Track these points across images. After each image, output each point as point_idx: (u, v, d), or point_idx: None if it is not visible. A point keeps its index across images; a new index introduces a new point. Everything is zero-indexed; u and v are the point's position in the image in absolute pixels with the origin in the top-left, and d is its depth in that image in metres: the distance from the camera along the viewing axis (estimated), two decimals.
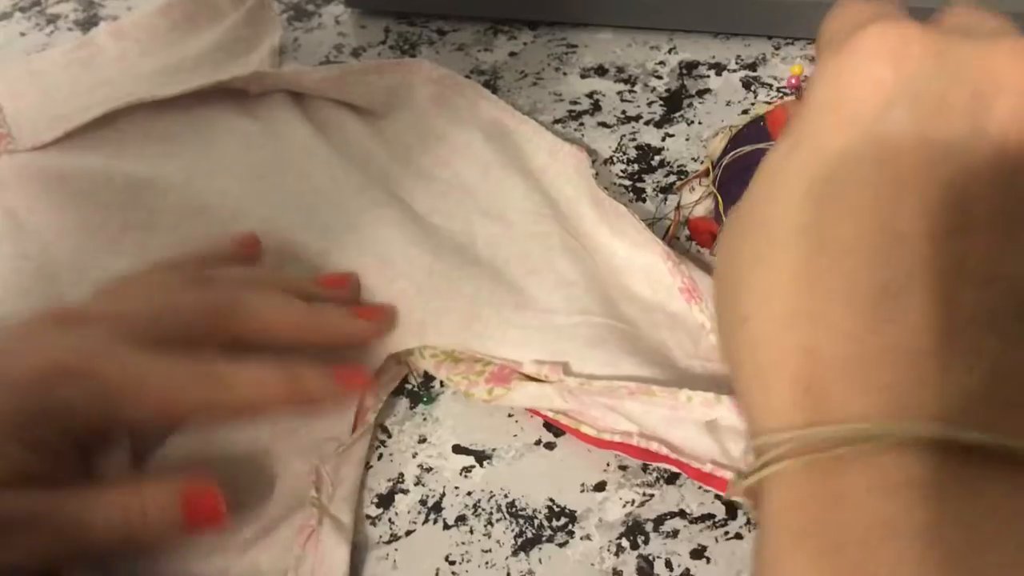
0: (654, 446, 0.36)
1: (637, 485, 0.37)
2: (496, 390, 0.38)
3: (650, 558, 0.35)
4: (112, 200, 0.47)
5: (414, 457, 0.39)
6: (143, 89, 0.53)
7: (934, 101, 0.22)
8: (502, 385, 0.38)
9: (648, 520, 0.36)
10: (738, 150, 0.42)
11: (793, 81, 0.41)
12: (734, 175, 0.42)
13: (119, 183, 0.48)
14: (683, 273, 0.40)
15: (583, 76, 0.57)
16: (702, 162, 0.50)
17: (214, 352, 0.36)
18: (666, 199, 0.48)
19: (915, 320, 0.21)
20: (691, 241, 0.46)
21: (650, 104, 0.55)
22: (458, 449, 0.39)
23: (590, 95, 0.56)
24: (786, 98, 0.53)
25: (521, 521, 0.36)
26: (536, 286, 0.42)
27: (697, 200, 0.43)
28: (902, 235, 0.21)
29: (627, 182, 0.50)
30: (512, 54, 0.60)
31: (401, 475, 0.38)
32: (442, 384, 0.41)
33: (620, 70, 0.57)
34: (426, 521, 0.37)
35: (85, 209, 0.47)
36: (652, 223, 0.47)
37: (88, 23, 0.67)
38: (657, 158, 0.51)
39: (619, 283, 0.42)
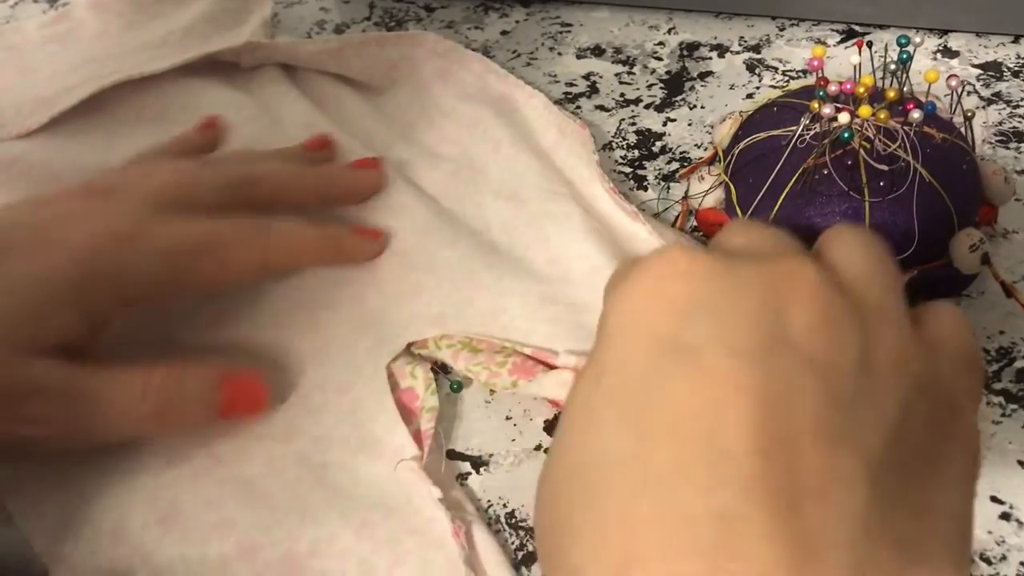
0: None
1: None
2: (520, 383, 0.36)
3: None
4: None
5: None
6: (129, 65, 0.50)
7: (730, 313, 0.21)
8: (526, 378, 0.36)
9: None
10: (752, 136, 0.40)
11: (815, 63, 0.38)
12: (748, 163, 0.39)
13: None
14: None
15: (579, 56, 0.55)
16: (706, 149, 0.47)
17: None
18: (669, 187, 0.46)
19: (761, 552, 0.19)
20: (698, 232, 0.43)
21: (650, 87, 0.52)
22: (453, 455, 0.37)
23: (587, 76, 0.53)
24: (795, 82, 0.50)
25: (521, 533, 0.34)
26: (561, 276, 0.39)
27: (707, 190, 0.41)
28: (729, 452, 0.20)
29: (627, 168, 0.47)
30: (504, 32, 0.57)
31: None
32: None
33: (618, 51, 0.55)
34: None
35: None
36: (657, 214, 0.44)
37: None
38: (658, 144, 0.48)
39: None
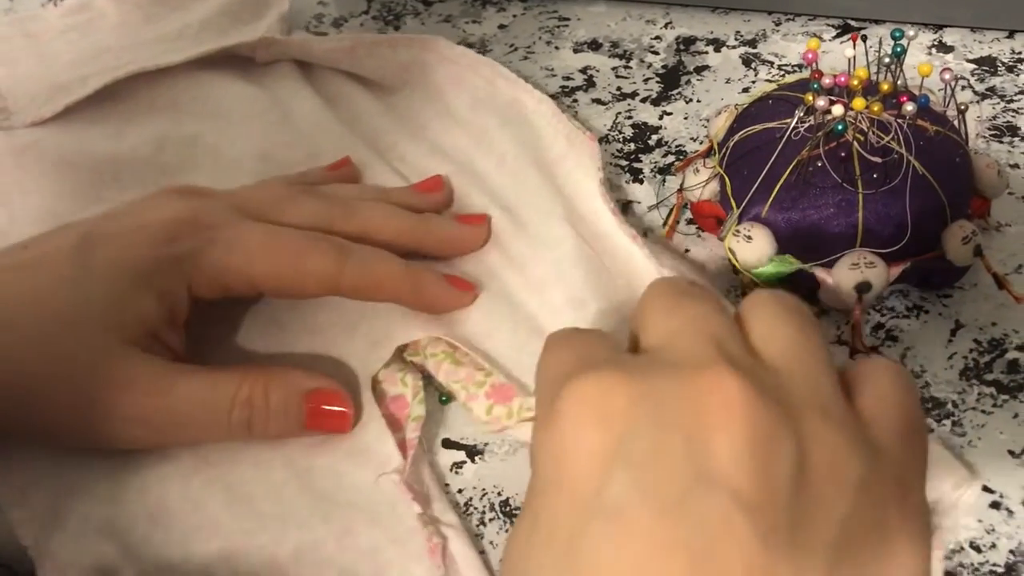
0: None
1: None
2: (496, 408, 0.36)
3: None
4: (115, 183, 0.45)
5: None
6: (144, 57, 0.50)
7: (650, 458, 0.21)
8: (503, 403, 0.36)
9: None
10: (747, 129, 0.40)
11: (810, 56, 0.38)
12: (742, 155, 0.40)
13: (123, 162, 0.46)
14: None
15: (576, 51, 0.55)
16: (702, 142, 0.47)
17: None
18: (665, 180, 0.46)
19: None
20: (692, 225, 0.43)
21: (646, 81, 0.52)
22: (448, 443, 0.37)
23: (583, 70, 0.53)
24: (790, 76, 0.51)
25: (514, 521, 0.34)
26: (547, 308, 0.39)
27: (703, 182, 0.41)
28: None
29: (624, 162, 0.47)
30: (501, 26, 0.57)
31: None
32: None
33: (615, 45, 0.55)
34: None
35: (88, 196, 0.44)
36: (653, 207, 0.45)
37: None
38: (655, 137, 0.49)
39: (636, 297, 0.39)
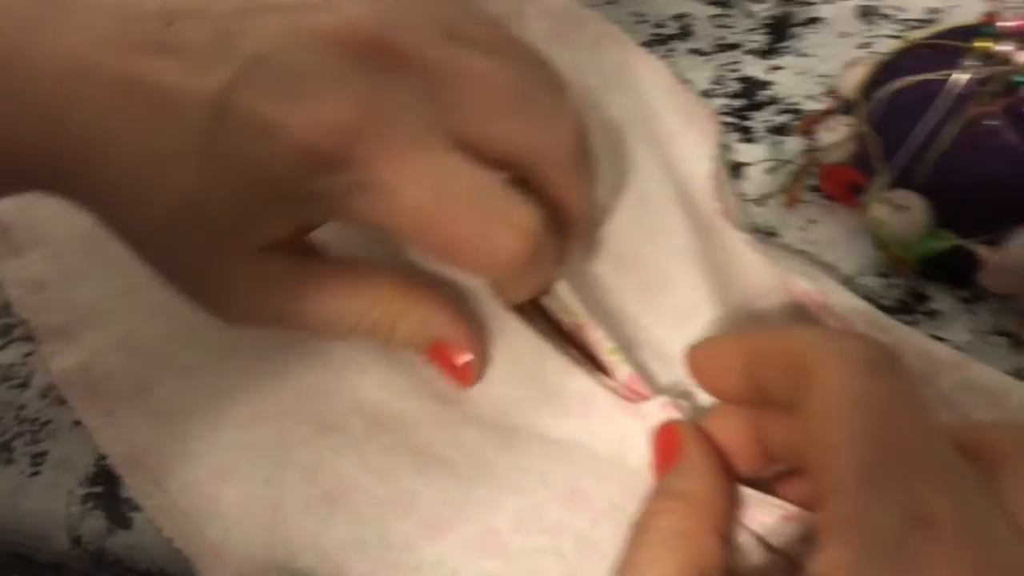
0: None
1: None
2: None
3: None
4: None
5: None
6: None
7: None
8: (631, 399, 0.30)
9: None
10: (898, 81, 0.34)
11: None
12: (892, 111, 0.34)
13: None
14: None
15: None
16: (820, 101, 0.42)
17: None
18: (780, 141, 0.40)
19: None
20: (817, 192, 0.38)
21: (750, 31, 0.46)
22: None
23: (677, 18, 0.47)
24: (915, 31, 0.45)
25: None
26: (653, 317, 0.32)
27: (838, 142, 0.35)
28: None
29: (731, 119, 0.42)
30: None
31: None
32: None
33: None
34: None
35: None
36: (770, 170, 0.39)
37: None
38: (764, 93, 0.43)
39: (753, 306, 0.33)
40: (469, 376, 0.31)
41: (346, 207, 0.26)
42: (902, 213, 0.32)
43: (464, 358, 0.30)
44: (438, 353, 0.30)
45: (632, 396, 0.29)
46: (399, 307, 0.29)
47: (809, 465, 0.20)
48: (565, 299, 0.31)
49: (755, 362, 0.23)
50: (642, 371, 0.30)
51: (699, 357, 0.26)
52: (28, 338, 0.35)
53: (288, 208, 0.27)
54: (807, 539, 0.23)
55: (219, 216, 0.26)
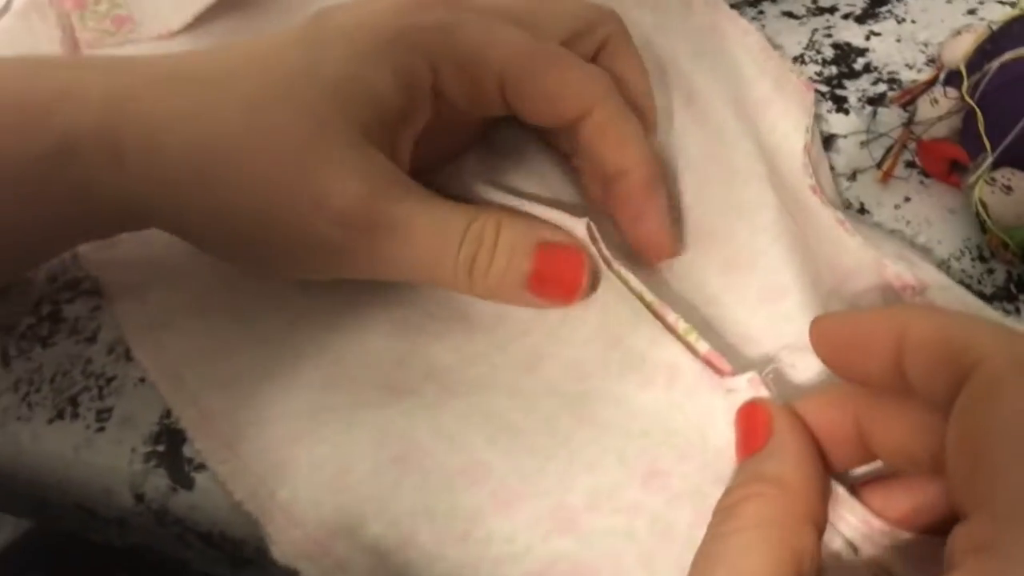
0: None
1: None
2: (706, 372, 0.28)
3: None
4: None
5: None
6: None
7: None
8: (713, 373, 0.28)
9: None
10: (1013, 52, 0.32)
11: None
12: (1003, 84, 0.32)
13: None
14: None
15: None
16: (920, 70, 0.39)
17: None
18: (876, 112, 0.38)
19: None
20: (913, 168, 0.36)
21: None
22: None
23: None
24: None
25: None
26: (736, 296, 0.31)
27: (941, 116, 0.33)
28: None
29: (824, 87, 0.39)
30: None
31: None
32: None
33: None
34: None
35: None
36: (864, 143, 0.37)
37: None
38: (861, 60, 0.41)
39: (844, 290, 0.31)
40: (579, 283, 0.29)
41: (457, 38, 0.29)
42: (1006, 194, 0.30)
43: (575, 257, 0.29)
44: (546, 260, 0.29)
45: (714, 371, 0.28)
46: (504, 215, 0.29)
47: (954, 473, 0.19)
48: (637, 287, 0.30)
49: (908, 346, 0.21)
50: (722, 351, 0.29)
51: (835, 330, 0.23)
52: (96, 292, 0.35)
53: (394, 56, 0.28)
54: (902, 552, 0.21)
55: (330, 85, 0.27)
